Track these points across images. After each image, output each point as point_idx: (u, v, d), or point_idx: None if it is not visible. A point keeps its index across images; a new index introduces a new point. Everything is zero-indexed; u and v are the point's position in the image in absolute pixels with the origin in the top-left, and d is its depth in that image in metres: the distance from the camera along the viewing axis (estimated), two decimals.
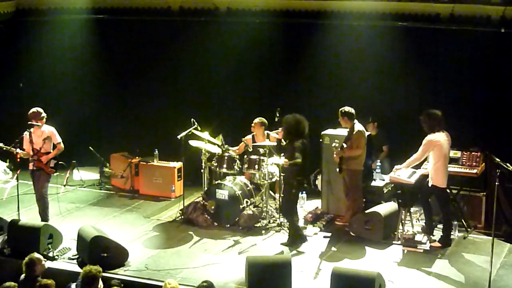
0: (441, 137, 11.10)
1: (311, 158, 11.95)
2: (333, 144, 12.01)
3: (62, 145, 12.17)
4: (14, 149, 11.85)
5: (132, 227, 12.43)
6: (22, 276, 9.33)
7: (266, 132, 12.91)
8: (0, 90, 15.71)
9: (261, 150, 12.38)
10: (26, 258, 9.30)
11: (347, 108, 12.02)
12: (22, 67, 15.71)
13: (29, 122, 11.95)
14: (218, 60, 14.94)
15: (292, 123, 11.25)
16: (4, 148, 12.01)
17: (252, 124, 13.10)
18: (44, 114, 12.06)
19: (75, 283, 9.14)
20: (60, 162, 12.20)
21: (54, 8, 15.71)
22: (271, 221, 12.38)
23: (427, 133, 11.16)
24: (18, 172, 12.39)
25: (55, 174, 12.28)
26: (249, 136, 13.24)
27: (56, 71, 15.72)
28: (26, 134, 11.93)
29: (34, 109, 12.08)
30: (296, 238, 11.51)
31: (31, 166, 12.11)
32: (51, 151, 12.12)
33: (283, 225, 12.13)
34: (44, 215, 12.17)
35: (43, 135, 12.08)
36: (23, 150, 12.02)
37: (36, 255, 9.39)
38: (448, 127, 11.33)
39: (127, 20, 15.40)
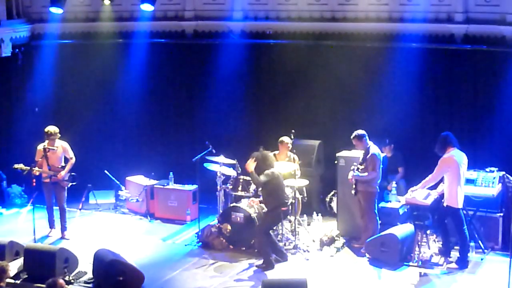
0: (457, 157, 11.07)
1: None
2: (352, 167, 12.04)
3: (74, 158, 12.94)
4: (33, 168, 12.53)
5: (148, 250, 12.43)
6: None
7: (289, 153, 12.87)
8: (16, 114, 15.81)
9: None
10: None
11: (360, 131, 12.11)
12: (37, 91, 15.77)
13: (45, 146, 12.60)
14: (232, 83, 14.92)
15: (260, 158, 11.57)
16: (24, 169, 12.49)
17: (280, 141, 13.02)
18: (57, 132, 12.75)
19: None
20: (72, 174, 12.91)
21: (68, 33, 15.79)
22: (287, 243, 12.34)
23: (441, 155, 11.16)
24: (33, 196, 12.48)
25: (69, 185, 12.93)
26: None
27: (70, 94, 15.77)
28: (41, 148, 12.61)
29: (49, 129, 12.72)
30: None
31: (46, 180, 12.73)
32: (63, 164, 12.83)
33: (298, 247, 12.11)
34: (54, 222, 13.04)
35: (58, 150, 12.75)
36: (36, 164, 12.66)
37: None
38: (464, 148, 11.32)
39: (139, 44, 15.43)
